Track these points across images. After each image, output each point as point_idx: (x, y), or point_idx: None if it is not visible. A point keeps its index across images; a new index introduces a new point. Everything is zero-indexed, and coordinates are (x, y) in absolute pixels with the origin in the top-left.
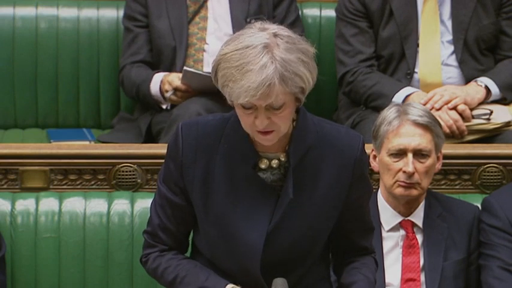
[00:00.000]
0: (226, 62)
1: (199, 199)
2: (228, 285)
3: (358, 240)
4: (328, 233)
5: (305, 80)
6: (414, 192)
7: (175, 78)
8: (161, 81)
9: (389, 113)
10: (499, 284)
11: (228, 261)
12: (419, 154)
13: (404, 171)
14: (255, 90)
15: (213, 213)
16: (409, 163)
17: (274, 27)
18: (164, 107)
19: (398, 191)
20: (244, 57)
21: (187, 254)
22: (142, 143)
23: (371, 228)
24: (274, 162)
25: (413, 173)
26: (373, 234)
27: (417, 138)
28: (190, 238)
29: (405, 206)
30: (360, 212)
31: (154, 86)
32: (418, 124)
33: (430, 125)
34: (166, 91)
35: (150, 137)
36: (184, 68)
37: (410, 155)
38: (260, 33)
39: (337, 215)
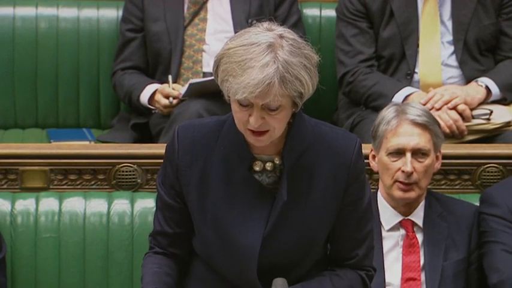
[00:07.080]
0: (229, 56)
1: (195, 201)
2: None
3: (349, 249)
4: (326, 235)
5: (305, 85)
6: (413, 194)
7: (165, 93)
8: (152, 97)
9: (387, 112)
10: (503, 265)
11: (224, 263)
12: (418, 153)
13: (403, 171)
14: (254, 87)
15: (209, 215)
16: (407, 163)
17: (280, 29)
18: (153, 111)
19: (397, 194)
20: (247, 54)
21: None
22: (134, 142)
23: (366, 242)
24: (269, 165)
25: (411, 173)
26: (372, 253)
27: (416, 138)
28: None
29: (405, 206)
30: (354, 218)
31: (144, 97)
32: (416, 123)
33: (429, 125)
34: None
35: (148, 137)
36: (190, 81)
37: (408, 155)
38: (266, 32)
39: (334, 218)
